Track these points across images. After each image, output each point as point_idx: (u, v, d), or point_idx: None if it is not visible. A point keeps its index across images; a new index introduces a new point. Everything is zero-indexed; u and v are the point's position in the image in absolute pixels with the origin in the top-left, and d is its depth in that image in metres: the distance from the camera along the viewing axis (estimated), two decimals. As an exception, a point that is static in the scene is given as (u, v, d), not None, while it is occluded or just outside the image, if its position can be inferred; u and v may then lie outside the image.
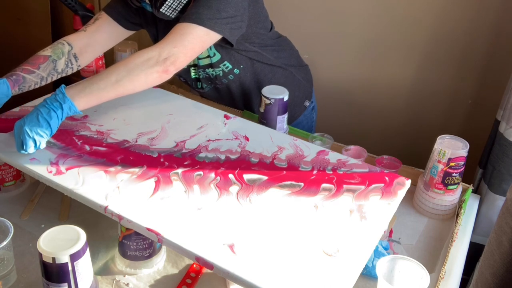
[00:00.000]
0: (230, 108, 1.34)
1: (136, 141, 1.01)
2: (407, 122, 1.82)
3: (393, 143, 1.84)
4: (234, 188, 0.88)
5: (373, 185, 0.91)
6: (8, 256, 0.85)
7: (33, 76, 1.08)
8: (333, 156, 1.00)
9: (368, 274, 0.90)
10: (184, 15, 1.06)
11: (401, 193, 0.90)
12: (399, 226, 1.04)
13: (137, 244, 0.87)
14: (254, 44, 1.23)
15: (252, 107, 1.35)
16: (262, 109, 1.18)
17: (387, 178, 0.93)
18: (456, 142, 1.05)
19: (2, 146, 0.97)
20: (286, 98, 1.16)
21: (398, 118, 1.83)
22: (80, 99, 0.95)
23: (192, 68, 1.29)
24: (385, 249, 0.93)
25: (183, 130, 1.06)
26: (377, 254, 0.91)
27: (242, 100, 1.34)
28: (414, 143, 1.81)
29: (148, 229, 0.78)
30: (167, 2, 1.09)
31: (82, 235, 0.76)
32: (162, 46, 1.00)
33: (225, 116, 1.12)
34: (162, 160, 0.95)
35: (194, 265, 0.91)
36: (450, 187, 1.05)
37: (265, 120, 1.18)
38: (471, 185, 1.12)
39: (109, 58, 1.48)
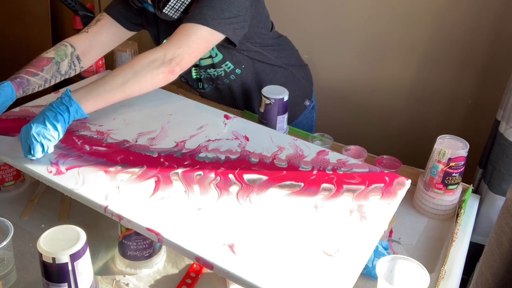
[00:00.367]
0: (230, 108, 1.34)
1: (136, 141, 1.01)
2: (407, 122, 1.82)
3: (393, 143, 1.84)
4: (234, 188, 0.88)
5: (373, 185, 0.91)
6: (8, 256, 0.85)
7: (37, 78, 1.08)
8: (333, 156, 1.00)
9: (368, 274, 0.90)
10: (188, 15, 1.06)
11: (401, 193, 0.90)
12: (399, 226, 1.04)
13: (137, 244, 0.87)
14: (256, 44, 1.23)
15: (252, 107, 1.35)
16: (262, 109, 1.18)
17: (387, 178, 0.93)
18: (456, 142, 1.05)
19: (2, 147, 0.97)
20: (286, 98, 1.16)
21: (398, 118, 1.83)
22: (87, 102, 0.94)
23: (194, 68, 1.29)
24: (385, 249, 0.93)
25: (183, 130, 1.06)
26: (377, 254, 0.91)
27: (242, 100, 1.35)
28: (414, 143, 1.81)
29: (148, 229, 0.78)
30: (170, 3, 1.09)
31: (82, 235, 0.76)
32: (167, 47, 1.00)
33: (225, 116, 1.12)
34: (162, 160, 0.95)
35: (194, 265, 0.91)
36: (450, 187, 1.05)
37: (265, 120, 1.18)
38: (471, 185, 1.12)
39: (109, 58, 1.48)
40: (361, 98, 1.86)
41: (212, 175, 0.91)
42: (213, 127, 1.08)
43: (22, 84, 1.05)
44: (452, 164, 1.02)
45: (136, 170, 0.92)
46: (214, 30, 1.04)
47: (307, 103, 1.42)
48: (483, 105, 1.66)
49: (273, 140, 1.04)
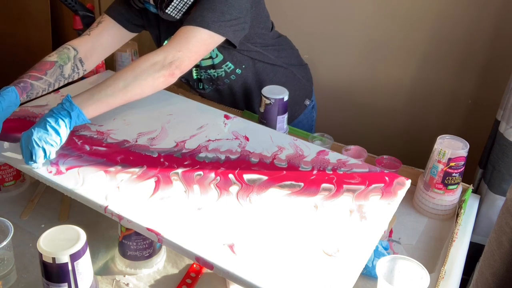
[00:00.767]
0: (230, 108, 1.34)
1: (136, 141, 1.01)
2: (407, 122, 1.82)
3: (393, 143, 1.84)
4: (234, 188, 0.88)
5: (373, 185, 0.91)
6: (8, 256, 0.85)
7: (40, 82, 1.07)
8: (333, 156, 1.00)
9: (368, 274, 0.90)
10: (188, 18, 1.06)
11: (401, 193, 0.90)
12: (399, 226, 1.04)
13: (137, 244, 0.87)
14: (256, 44, 1.24)
15: (253, 107, 1.35)
16: (262, 109, 1.18)
17: (387, 178, 0.93)
18: (456, 142, 1.05)
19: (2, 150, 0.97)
20: (286, 98, 1.16)
21: (398, 118, 1.83)
22: (89, 107, 0.94)
23: (194, 69, 1.29)
24: (385, 249, 0.93)
25: (183, 130, 1.06)
26: (377, 254, 0.91)
27: (243, 100, 1.35)
28: (414, 143, 1.81)
29: (148, 229, 0.78)
30: (172, 3, 1.09)
31: (82, 235, 0.76)
32: (167, 50, 1.00)
33: (225, 116, 1.12)
34: (162, 160, 0.95)
35: (194, 265, 0.91)
36: (450, 187, 1.05)
37: (265, 120, 1.18)
38: (471, 185, 1.12)
39: (109, 59, 1.48)
40: (361, 98, 1.86)
41: (212, 175, 0.91)
42: (213, 127, 1.08)
43: (26, 88, 1.04)
44: (452, 164, 1.02)
45: (136, 170, 0.92)
46: (214, 33, 1.05)
47: (307, 102, 1.42)
48: (483, 105, 1.66)
49: (273, 140, 1.04)
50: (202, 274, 0.90)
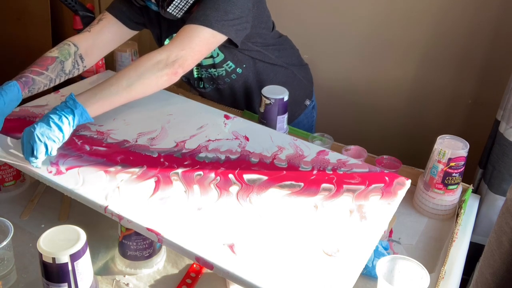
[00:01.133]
0: (230, 108, 1.34)
1: (136, 141, 1.01)
2: (407, 122, 1.82)
3: (393, 143, 1.84)
4: (234, 188, 0.88)
5: (373, 185, 0.91)
6: (8, 256, 0.85)
7: (42, 77, 1.07)
8: (333, 156, 1.00)
9: (368, 274, 0.90)
10: (191, 16, 1.06)
11: (401, 193, 0.90)
12: (399, 226, 1.04)
13: (137, 244, 0.87)
14: (257, 43, 1.24)
15: (253, 107, 1.35)
16: (262, 109, 1.18)
17: (387, 178, 0.93)
18: (456, 142, 1.05)
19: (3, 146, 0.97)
20: (286, 98, 1.16)
21: (398, 118, 1.83)
22: (92, 105, 0.94)
23: (195, 67, 1.29)
24: (385, 249, 0.93)
25: (183, 130, 1.06)
26: (377, 254, 0.91)
27: (243, 100, 1.35)
28: (414, 143, 1.81)
29: (148, 229, 0.78)
30: (174, 2, 1.10)
31: (82, 235, 0.76)
32: (170, 49, 1.00)
33: (225, 116, 1.12)
34: (162, 160, 0.95)
35: (194, 265, 0.91)
36: (450, 187, 1.05)
37: (265, 120, 1.18)
38: (471, 185, 1.12)
39: (109, 59, 1.48)
40: (361, 98, 1.86)
41: (212, 175, 0.91)
42: (213, 127, 1.08)
43: (28, 83, 1.04)
44: (452, 164, 1.02)
45: (136, 170, 0.92)
46: (217, 32, 1.05)
47: (307, 102, 1.42)
48: (483, 105, 1.66)
49: (273, 140, 1.04)
50: (202, 274, 0.90)
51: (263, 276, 0.70)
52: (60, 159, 0.93)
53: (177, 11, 1.11)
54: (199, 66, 1.27)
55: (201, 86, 1.33)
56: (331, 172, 0.94)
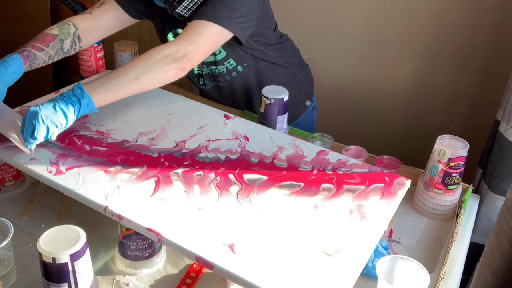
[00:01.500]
0: (230, 108, 1.34)
1: (136, 141, 1.01)
2: (407, 122, 1.82)
3: (393, 143, 1.84)
4: (234, 188, 0.88)
5: (373, 185, 0.91)
6: (8, 256, 0.85)
7: (42, 53, 1.08)
8: (333, 156, 1.00)
9: (368, 274, 0.90)
10: (200, 12, 1.07)
11: (401, 193, 0.90)
12: (399, 226, 1.04)
13: (137, 244, 0.87)
14: (259, 42, 1.24)
15: (253, 106, 1.35)
16: (262, 109, 1.18)
17: (387, 178, 0.93)
18: (456, 142, 1.05)
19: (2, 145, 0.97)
20: (286, 98, 1.16)
21: (398, 118, 1.83)
22: (98, 95, 0.93)
23: None
24: (385, 249, 0.93)
25: (183, 130, 1.06)
26: (377, 254, 0.91)
27: (243, 99, 1.35)
28: (414, 143, 1.81)
29: (148, 229, 0.78)
30: (183, 3, 1.10)
31: (82, 235, 0.76)
32: (179, 44, 1.01)
33: (225, 116, 1.12)
34: (162, 160, 0.95)
35: (194, 265, 0.91)
36: (450, 187, 1.05)
37: (265, 120, 1.18)
38: (471, 185, 1.12)
39: (109, 58, 1.48)
40: (361, 98, 1.86)
41: (212, 175, 0.91)
42: (213, 127, 1.08)
43: (29, 57, 1.04)
44: (452, 164, 1.02)
45: (136, 170, 0.92)
46: (224, 29, 1.05)
47: (307, 103, 1.42)
48: (483, 105, 1.66)
49: (273, 140, 1.04)
50: (202, 274, 0.90)
51: (263, 276, 0.70)
52: (60, 159, 0.93)
53: (185, 12, 1.12)
54: (201, 62, 1.27)
55: (201, 82, 1.33)
56: (331, 172, 0.94)
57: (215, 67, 1.26)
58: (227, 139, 1.04)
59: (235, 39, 1.11)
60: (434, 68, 1.70)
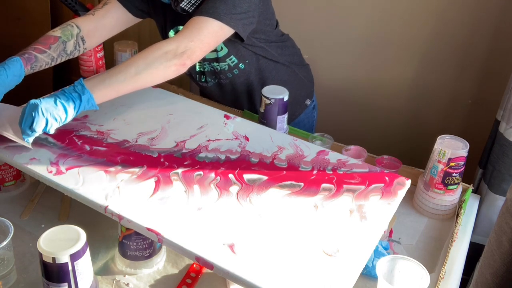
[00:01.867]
0: (231, 108, 1.34)
1: (136, 141, 1.01)
2: (407, 122, 1.82)
3: (393, 143, 1.84)
4: (234, 188, 0.88)
5: (373, 185, 0.91)
6: (8, 256, 0.85)
7: (44, 56, 1.08)
8: (333, 156, 1.00)
9: (368, 274, 0.90)
10: (201, 8, 1.07)
11: (401, 193, 0.90)
12: (399, 226, 1.04)
13: (137, 244, 0.87)
14: (260, 39, 1.24)
15: (254, 104, 1.35)
16: (262, 109, 1.18)
17: (387, 178, 0.93)
18: (456, 142, 1.05)
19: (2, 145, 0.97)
20: (286, 98, 1.16)
21: (398, 118, 1.83)
22: (99, 92, 0.93)
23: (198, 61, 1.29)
24: (385, 249, 0.93)
25: (183, 130, 1.06)
26: (377, 254, 0.91)
27: (245, 97, 1.35)
28: (414, 143, 1.81)
29: (148, 229, 0.78)
30: None
31: (82, 235, 0.76)
32: (179, 40, 1.01)
33: (225, 116, 1.12)
34: (162, 160, 0.95)
35: (194, 265, 0.91)
36: (450, 187, 1.05)
37: (265, 120, 1.18)
38: (471, 185, 1.12)
39: (109, 58, 1.48)
40: (361, 98, 1.86)
41: (212, 175, 0.91)
42: (213, 127, 1.08)
43: (30, 60, 1.04)
44: (452, 164, 1.02)
45: (136, 170, 0.92)
46: (225, 25, 1.05)
47: (308, 102, 1.43)
48: (483, 105, 1.66)
49: (273, 140, 1.04)
50: (202, 274, 0.90)
51: (263, 276, 0.70)
52: (60, 159, 0.94)
53: (189, 6, 1.12)
54: (202, 59, 1.27)
55: (203, 80, 1.33)
56: (331, 172, 0.94)
57: (217, 64, 1.26)
58: (227, 139, 1.04)
59: (236, 36, 1.12)
60: (434, 68, 1.70)
